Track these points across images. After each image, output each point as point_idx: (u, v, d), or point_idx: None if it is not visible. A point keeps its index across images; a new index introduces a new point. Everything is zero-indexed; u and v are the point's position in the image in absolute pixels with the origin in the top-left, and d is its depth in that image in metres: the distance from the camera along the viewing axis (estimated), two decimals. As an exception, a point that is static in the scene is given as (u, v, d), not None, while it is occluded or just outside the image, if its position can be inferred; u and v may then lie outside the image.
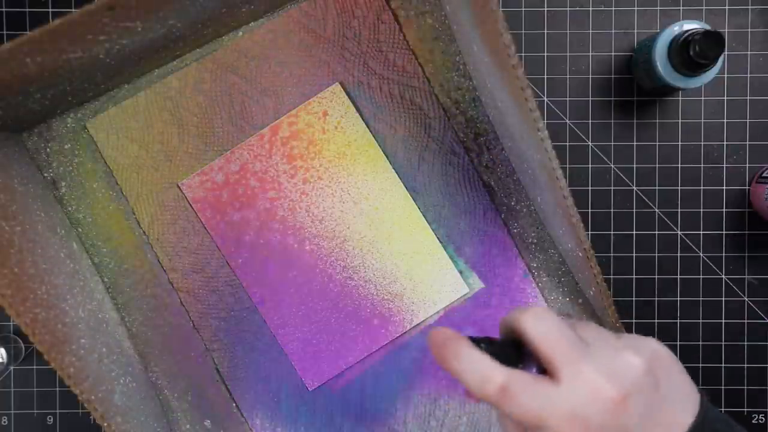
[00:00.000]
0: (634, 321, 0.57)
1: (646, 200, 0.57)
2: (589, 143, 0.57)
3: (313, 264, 0.55)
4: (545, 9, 0.57)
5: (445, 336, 0.35)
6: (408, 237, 0.55)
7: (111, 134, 0.54)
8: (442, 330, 0.35)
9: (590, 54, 0.57)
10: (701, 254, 0.57)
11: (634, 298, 0.57)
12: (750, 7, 0.57)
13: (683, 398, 0.35)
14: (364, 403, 0.56)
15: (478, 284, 0.55)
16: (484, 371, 0.34)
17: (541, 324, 0.34)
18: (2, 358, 0.55)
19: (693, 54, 0.49)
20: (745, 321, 0.57)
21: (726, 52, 0.57)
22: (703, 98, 0.57)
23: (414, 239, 0.55)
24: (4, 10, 0.57)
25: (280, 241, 0.55)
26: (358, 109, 0.55)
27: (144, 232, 0.55)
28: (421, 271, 0.55)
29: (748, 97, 0.57)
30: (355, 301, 0.55)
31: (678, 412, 0.35)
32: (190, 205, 0.55)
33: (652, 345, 0.36)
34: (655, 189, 0.57)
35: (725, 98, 0.57)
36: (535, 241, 0.55)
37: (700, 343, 0.57)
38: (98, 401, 0.43)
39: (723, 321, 0.57)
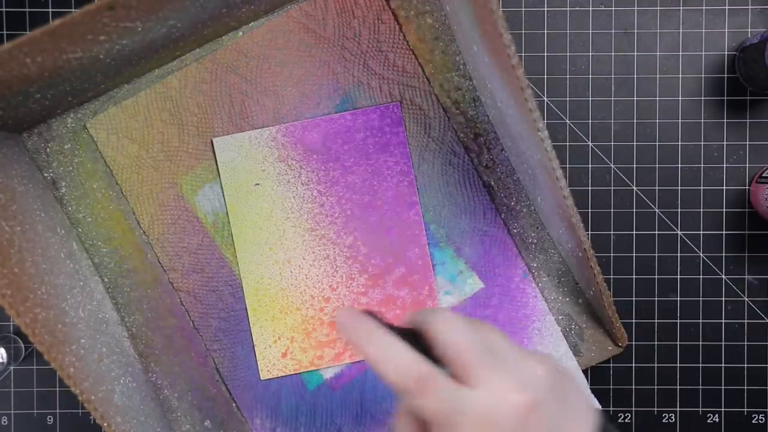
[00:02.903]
0: (634, 321, 0.57)
1: (646, 200, 0.57)
2: (589, 143, 0.57)
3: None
4: (545, 9, 0.57)
5: (356, 318, 0.34)
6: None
7: (111, 134, 0.54)
8: (349, 311, 0.35)
9: (590, 54, 0.57)
10: (701, 254, 0.57)
11: (634, 298, 0.57)
12: (750, 7, 0.57)
13: (583, 412, 0.36)
14: (364, 403, 0.56)
15: (478, 284, 0.55)
16: (402, 360, 0.33)
17: (453, 330, 0.34)
18: (2, 358, 0.55)
19: None
20: (745, 321, 0.57)
21: (726, 52, 0.57)
22: (703, 98, 0.57)
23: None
24: (4, 10, 0.57)
25: (280, 241, 0.55)
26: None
27: (144, 232, 0.55)
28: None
29: (748, 98, 0.57)
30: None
31: (581, 426, 0.35)
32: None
33: (554, 359, 0.36)
34: (655, 189, 0.57)
35: (725, 98, 0.57)
36: (535, 241, 0.55)
37: (700, 343, 0.57)
38: (98, 401, 0.43)
39: (723, 321, 0.57)
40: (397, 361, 0.33)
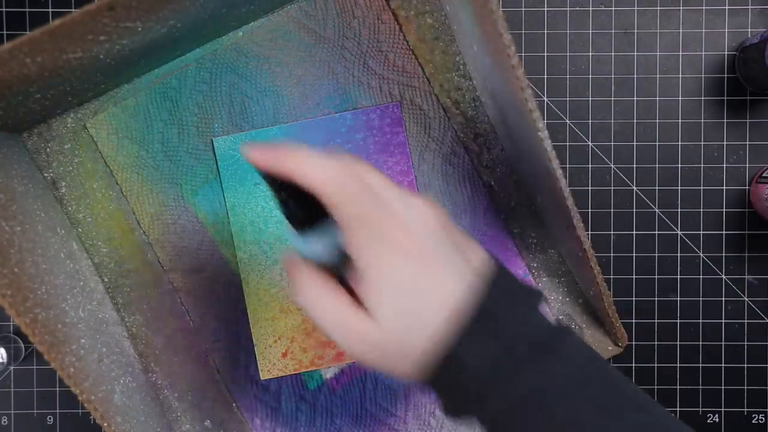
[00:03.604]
0: (634, 321, 0.57)
1: (646, 200, 0.57)
2: (589, 143, 0.57)
3: (313, 264, 0.55)
4: (545, 9, 0.57)
5: (271, 144, 0.34)
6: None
7: (111, 134, 0.54)
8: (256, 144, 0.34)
9: (590, 54, 0.57)
10: (701, 254, 0.57)
11: (634, 298, 0.57)
12: (750, 7, 0.57)
13: (471, 238, 0.38)
14: (364, 403, 0.56)
15: (478, 284, 0.55)
16: (334, 160, 0.34)
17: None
18: (2, 358, 0.55)
19: None
20: (745, 321, 0.57)
21: (726, 52, 0.57)
22: (702, 98, 0.57)
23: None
24: (4, 10, 0.57)
25: (280, 241, 0.55)
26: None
27: (144, 232, 0.55)
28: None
29: (748, 98, 0.57)
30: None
31: (477, 248, 0.37)
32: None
33: None
34: (655, 189, 0.57)
35: (725, 98, 0.57)
36: (535, 241, 0.55)
37: (700, 343, 0.57)
38: (98, 401, 0.43)
39: (723, 321, 0.57)
40: (329, 159, 0.34)
